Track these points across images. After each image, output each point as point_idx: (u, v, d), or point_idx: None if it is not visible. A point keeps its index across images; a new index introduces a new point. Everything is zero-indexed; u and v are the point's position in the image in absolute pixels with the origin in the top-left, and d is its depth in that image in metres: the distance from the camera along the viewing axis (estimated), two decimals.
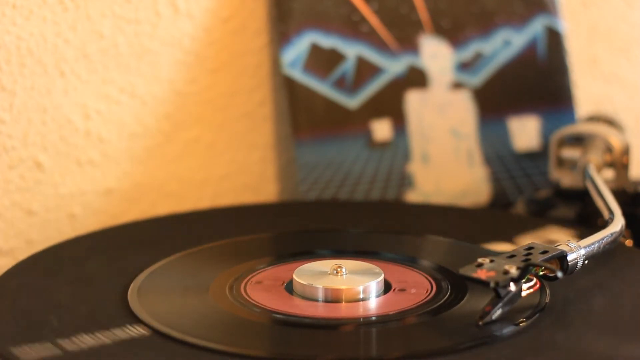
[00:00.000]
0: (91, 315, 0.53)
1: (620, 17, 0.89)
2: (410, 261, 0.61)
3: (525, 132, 0.80)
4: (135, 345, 0.50)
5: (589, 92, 0.88)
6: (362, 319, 0.53)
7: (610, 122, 0.79)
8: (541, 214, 0.73)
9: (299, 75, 0.76)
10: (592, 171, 0.68)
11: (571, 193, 0.73)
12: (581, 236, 0.56)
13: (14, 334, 0.51)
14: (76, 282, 0.57)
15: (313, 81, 0.76)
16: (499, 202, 0.79)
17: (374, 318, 0.53)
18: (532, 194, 0.78)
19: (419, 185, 0.78)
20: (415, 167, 0.78)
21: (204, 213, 0.72)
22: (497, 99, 0.80)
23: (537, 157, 0.80)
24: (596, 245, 0.56)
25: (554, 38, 0.81)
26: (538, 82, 0.81)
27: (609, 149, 0.72)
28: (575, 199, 0.72)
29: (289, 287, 0.56)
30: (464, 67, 0.79)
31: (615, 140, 0.72)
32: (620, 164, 0.72)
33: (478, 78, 0.80)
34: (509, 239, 0.64)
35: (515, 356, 0.49)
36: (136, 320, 0.52)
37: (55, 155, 0.71)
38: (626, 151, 0.72)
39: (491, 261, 0.51)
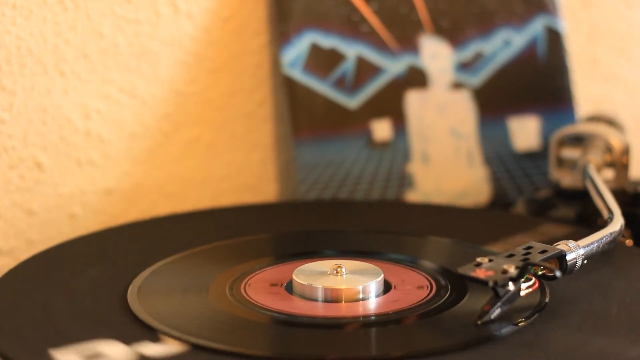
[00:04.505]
0: (91, 316, 0.53)
1: (620, 17, 0.89)
2: (410, 261, 0.61)
3: (525, 132, 0.80)
4: (135, 345, 0.50)
5: (589, 92, 0.88)
6: (362, 319, 0.53)
7: (610, 122, 0.79)
8: (541, 214, 0.73)
9: (299, 75, 0.76)
10: (592, 171, 0.68)
11: (571, 193, 0.73)
12: (581, 236, 0.56)
13: (14, 334, 0.51)
14: (76, 282, 0.57)
15: (313, 81, 0.76)
16: (499, 202, 0.79)
17: (373, 318, 0.53)
18: (532, 194, 0.78)
19: (419, 185, 0.78)
20: (415, 167, 0.78)
21: (204, 213, 0.72)
22: (497, 99, 0.80)
23: (537, 157, 0.80)
24: (595, 245, 0.56)
25: (554, 38, 0.81)
26: (538, 82, 0.81)
27: (609, 149, 0.72)
28: (575, 199, 0.72)
29: (289, 287, 0.56)
30: (464, 67, 0.79)
31: (615, 140, 0.72)
32: (620, 164, 0.72)
33: (478, 78, 0.80)
34: (509, 239, 0.64)
35: (515, 356, 0.49)
36: (136, 320, 0.52)
37: (55, 155, 0.71)
38: (626, 151, 0.72)
39: (490, 260, 0.51)
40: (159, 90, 0.74)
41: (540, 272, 0.53)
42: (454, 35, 0.79)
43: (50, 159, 0.71)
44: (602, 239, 0.57)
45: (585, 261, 0.55)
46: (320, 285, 0.55)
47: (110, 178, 0.73)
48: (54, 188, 0.71)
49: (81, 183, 0.72)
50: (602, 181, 0.66)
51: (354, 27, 0.77)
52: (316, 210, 0.73)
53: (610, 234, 0.58)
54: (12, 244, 0.71)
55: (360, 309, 0.54)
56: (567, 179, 0.74)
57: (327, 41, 0.77)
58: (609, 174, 0.73)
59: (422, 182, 0.78)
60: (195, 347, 0.49)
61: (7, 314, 0.53)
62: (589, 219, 0.69)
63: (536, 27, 0.81)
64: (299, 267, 0.57)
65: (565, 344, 0.50)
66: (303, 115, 0.76)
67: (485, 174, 0.79)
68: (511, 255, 0.52)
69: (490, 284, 0.50)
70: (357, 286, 0.55)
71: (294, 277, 0.56)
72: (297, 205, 0.75)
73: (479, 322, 0.51)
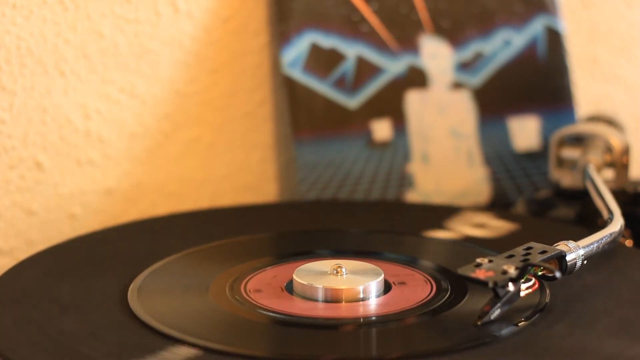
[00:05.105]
0: (91, 315, 0.53)
1: (620, 17, 0.89)
2: (410, 261, 0.61)
3: (525, 132, 0.80)
4: (136, 345, 0.50)
5: (589, 92, 0.88)
6: (362, 319, 0.53)
7: (610, 122, 0.79)
8: (541, 214, 0.73)
9: (299, 75, 0.76)
10: (592, 171, 0.68)
11: (571, 193, 0.73)
12: (581, 236, 0.56)
13: (14, 334, 0.51)
14: (76, 282, 0.57)
15: (313, 81, 0.76)
16: (499, 202, 0.79)
17: (373, 318, 0.53)
18: (532, 194, 0.78)
19: (419, 185, 0.78)
20: (415, 167, 0.78)
21: (204, 213, 0.72)
22: (497, 99, 0.80)
23: (537, 157, 0.80)
24: (595, 245, 0.56)
25: (554, 38, 0.81)
26: (538, 82, 0.81)
27: (609, 149, 0.72)
28: (575, 199, 0.72)
29: (289, 287, 0.56)
30: (464, 67, 0.79)
31: (615, 140, 0.72)
32: (620, 164, 0.72)
33: (478, 78, 0.80)
34: (508, 239, 0.64)
35: (515, 357, 0.49)
36: (136, 320, 0.52)
37: (55, 155, 0.71)
38: (626, 151, 0.72)
39: (490, 261, 0.51)
40: (159, 90, 0.74)
41: (540, 273, 0.53)
42: (454, 35, 0.79)
43: (50, 159, 0.71)
44: (602, 239, 0.57)
45: (585, 261, 0.55)
46: (320, 285, 0.55)
47: (110, 178, 0.73)
48: (54, 188, 0.71)
49: (81, 183, 0.72)
50: (602, 181, 0.66)
51: (354, 27, 0.77)
52: (316, 210, 0.73)
53: (610, 234, 0.58)
54: (12, 244, 0.71)
55: (360, 309, 0.54)
56: (567, 179, 0.74)
57: (327, 41, 0.77)
58: (609, 174, 0.73)
59: (422, 182, 0.78)
60: (195, 347, 0.49)
61: (7, 314, 0.53)
62: (589, 219, 0.69)
63: (536, 27, 0.81)
64: (299, 267, 0.57)
65: (565, 344, 0.50)
66: (303, 115, 0.76)
67: (485, 174, 0.79)
68: (511, 256, 0.52)
69: (490, 284, 0.50)
70: (357, 286, 0.55)
71: (294, 277, 0.56)
72: (297, 205, 0.75)
73: (478, 323, 0.51)
